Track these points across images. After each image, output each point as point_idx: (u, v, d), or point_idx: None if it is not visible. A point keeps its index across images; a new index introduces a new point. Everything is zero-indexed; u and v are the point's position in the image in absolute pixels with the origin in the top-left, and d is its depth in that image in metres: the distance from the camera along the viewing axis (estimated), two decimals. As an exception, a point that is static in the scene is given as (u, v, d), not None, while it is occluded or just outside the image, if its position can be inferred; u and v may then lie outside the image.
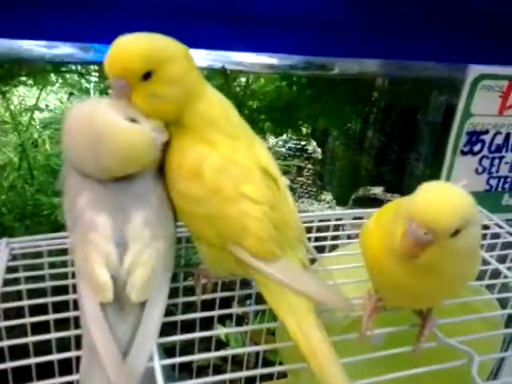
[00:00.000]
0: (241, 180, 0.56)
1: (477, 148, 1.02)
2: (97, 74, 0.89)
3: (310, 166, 1.47)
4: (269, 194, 0.57)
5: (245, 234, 0.55)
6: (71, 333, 0.57)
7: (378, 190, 1.41)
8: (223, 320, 1.08)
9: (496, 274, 0.77)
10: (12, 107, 1.07)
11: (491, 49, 0.93)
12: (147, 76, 0.54)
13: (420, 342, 0.60)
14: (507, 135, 1.02)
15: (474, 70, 0.94)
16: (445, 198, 0.48)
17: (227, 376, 0.58)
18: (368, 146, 1.41)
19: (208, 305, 0.70)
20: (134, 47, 0.54)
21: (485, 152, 1.03)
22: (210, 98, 0.60)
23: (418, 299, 0.58)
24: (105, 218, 0.52)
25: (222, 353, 0.63)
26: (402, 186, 1.33)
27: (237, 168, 0.57)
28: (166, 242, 0.55)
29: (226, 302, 0.74)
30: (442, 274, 0.51)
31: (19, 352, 0.57)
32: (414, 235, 0.47)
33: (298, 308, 0.55)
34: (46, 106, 1.11)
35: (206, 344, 0.84)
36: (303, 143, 1.45)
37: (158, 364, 0.52)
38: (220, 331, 0.70)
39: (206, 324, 0.74)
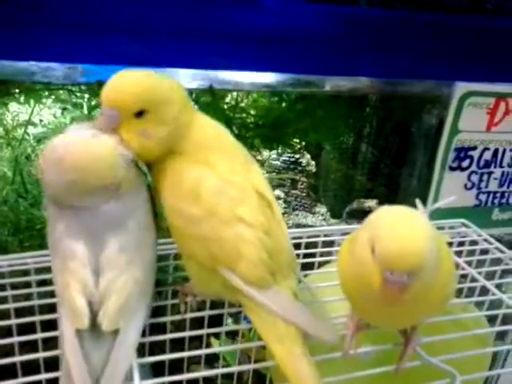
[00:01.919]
0: (237, 202, 0.57)
1: (465, 164, 1.02)
2: (87, 92, 0.91)
3: (304, 179, 1.48)
4: (263, 219, 0.58)
5: (238, 258, 0.56)
6: (59, 352, 0.57)
7: (371, 203, 1.42)
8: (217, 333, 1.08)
9: (485, 290, 0.77)
10: (5, 122, 1.08)
11: (478, 66, 0.94)
12: (140, 114, 0.56)
13: (402, 360, 0.61)
14: (495, 151, 1.03)
15: (461, 87, 0.95)
16: (412, 237, 0.48)
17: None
18: (361, 160, 1.42)
19: (199, 319, 0.70)
20: (133, 84, 0.56)
21: (473, 168, 1.03)
22: (201, 126, 0.61)
23: (393, 322, 0.58)
24: (82, 245, 0.53)
25: (212, 371, 0.63)
26: (396, 199, 1.34)
27: (234, 189, 0.57)
28: (143, 268, 0.56)
29: (218, 316, 0.74)
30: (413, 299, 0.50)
31: (7, 371, 0.57)
32: (397, 283, 0.47)
33: (285, 336, 0.55)
34: (40, 120, 1.12)
35: (197, 357, 0.84)
36: (297, 156, 1.46)
37: (138, 384, 0.53)
38: (210, 350, 0.70)
39: (198, 337, 0.75)
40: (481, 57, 0.93)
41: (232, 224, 0.56)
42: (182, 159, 0.59)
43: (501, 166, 1.05)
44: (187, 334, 0.64)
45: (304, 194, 1.49)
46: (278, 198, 1.44)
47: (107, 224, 0.55)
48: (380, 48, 0.89)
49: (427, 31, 0.90)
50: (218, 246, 0.56)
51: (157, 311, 0.66)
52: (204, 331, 0.66)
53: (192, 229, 0.57)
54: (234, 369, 0.66)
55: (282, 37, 0.82)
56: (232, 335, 1.17)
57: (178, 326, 0.76)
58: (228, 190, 0.57)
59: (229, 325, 1.12)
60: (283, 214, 1.41)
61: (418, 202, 0.79)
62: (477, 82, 0.95)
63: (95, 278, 0.53)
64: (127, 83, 0.56)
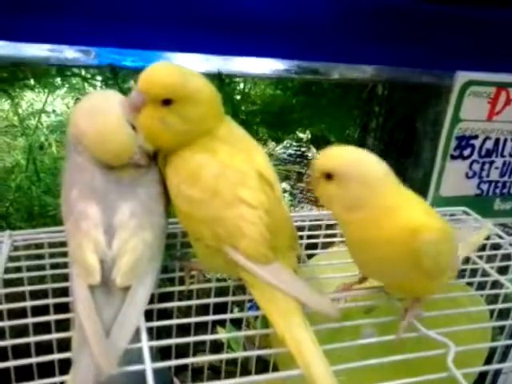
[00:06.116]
0: (238, 184, 0.59)
1: (467, 152, 1.03)
2: (100, 78, 0.93)
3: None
4: (264, 199, 0.60)
5: (240, 236, 0.58)
6: (69, 315, 0.59)
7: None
8: (223, 322, 1.10)
9: (486, 275, 0.79)
10: (20, 111, 1.11)
11: (479, 55, 0.96)
12: (166, 102, 0.58)
13: (399, 332, 0.63)
14: (497, 140, 1.04)
15: (463, 77, 0.96)
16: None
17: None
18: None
19: (206, 309, 0.72)
20: (168, 72, 0.59)
21: (475, 157, 1.04)
22: (220, 130, 0.63)
23: (390, 279, 0.63)
24: (95, 207, 0.57)
25: (218, 356, 0.65)
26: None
27: (234, 172, 0.60)
28: (153, 233, 0.59)
29: (224, 305, 0.76)
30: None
31: (19, 333, 0.60)
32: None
33: (286, 309, 0.58)
34: (53, 110, 1.15)
35: (203, 346, 0.87)
36: (303, 150, 1.48)
37: (145, 345, 0.55)
38: (216, 336, 0.71)
39: (204, 326, 0.77)
40: (482, 46, 0.95)
41: (234, 205, 0.58)
42: (187, 148, 0.61)
43: (502, 156, 1.06)
44: (193, 319, 0.66)
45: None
46: (284, 190, 1.45)
47: (118, 191, 0.59)
48: (383, 37, 0.91)
49: (429, 21, 0.92)
50: (221, 226, 0.59)
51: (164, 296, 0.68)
52: (210, 318, 0.67)
53: (196, 211, 0.60)
54: (238, 354, 0.68)
55: (287, 24, 0.84)
56: (238, 325, 1.19)
57: (185, 314, 0.78)
58: (228, 173, 0.59)
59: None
60: (289, 206, 1.43)
61: None
62: (478, 71, 0.96)
63: (107, 238, 0.56)
64: (163, 70, 0.59)
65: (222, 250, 0.59)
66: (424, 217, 0.57)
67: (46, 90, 1.07)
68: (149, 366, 0.52)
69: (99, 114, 0.59)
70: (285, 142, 1.47)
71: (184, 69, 0.61)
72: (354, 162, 0.57)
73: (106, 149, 0.59)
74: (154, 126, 0.59)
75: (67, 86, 1.06)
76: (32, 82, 1.01)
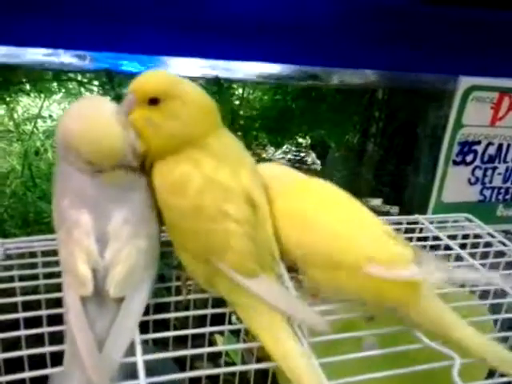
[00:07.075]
0: (223, 200, 0.58)
1: (469, 158, 1.03)
2: (96, 83, 0.92)
3: (309, 177, 1.49)
4: (249, 215, 0.58)
5: (227, 250, 0.57)
6: (64, 327, 0.57)
7: (377, 202, 1.42)
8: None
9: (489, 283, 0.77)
10: (16, 116, 1.10)
11: (482, 60, 0.95)
12: (153, 102, 0.58)
13: None
14: (500, 146, 1.04)
15: (465, 82, 0.95)
16: None
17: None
18: (367, 158, 1.42)
19: (203, 316, 0.71)
20: (156, 74, 0.60)
21: (477, 162, 1.04)
22: (214, 139, 0.62)
23: None
24: (87, 215, 0.55)
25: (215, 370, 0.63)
26: (401, 196, 1.34)
27: (219, 188, 0.58)
28: (147, 241, 0.58)
29: (221, 315, 0.74)
30: None
31: (11, 345, 0.58)
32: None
33: (271, 323, 0.56)
34: (49, 115, 1.14)
35: (201, 354, 0.85)
36: (303, 155, 1.47)
37: (140, 359, 0.53)
38: (213, 349, 0.70)
39: (202, 334, 0.75)
40: (485, 51, 0.94)
41: (218, 220, 0.57)
42: (173, 153, 0.60)
43: (505, 162, 1.05)
44: (190, 331, 0.64)
45: (309, 193, 1.49)
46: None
47: (110, 197, 0.57)
48: (384, 41, 0.90)
49: (432, 25, 0.91)
50: (207, 240, 0.58)
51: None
52: (207, 329, 0.65)
53: (182, 222, 0.59)
54: (237, 368, 0.66)
55: (287, 28, 0.83)
56: (236, 332, 1.17)
57: (183, 323, 0.76)
58: (213, 188, 0.58)
59: (233, 322, 1.12)
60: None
61: None
62: (480, 76, 0.95)
63: (100, 247, 0.54)
64: (152, 72, 0.60)
65: (209, 262, 0.58)
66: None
67: (42, 95, 1.06)
68: (143, 382, 0.50)
69: (89, 115, 0.57)
70: (284, 147, 1.46)
71: (176, 76, 0.60)
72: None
73: (96, 148, 0.56)
74: (142, 127, 0.58)
75: (63, 91, 1.05)
76: (28, 86, 0.99)
